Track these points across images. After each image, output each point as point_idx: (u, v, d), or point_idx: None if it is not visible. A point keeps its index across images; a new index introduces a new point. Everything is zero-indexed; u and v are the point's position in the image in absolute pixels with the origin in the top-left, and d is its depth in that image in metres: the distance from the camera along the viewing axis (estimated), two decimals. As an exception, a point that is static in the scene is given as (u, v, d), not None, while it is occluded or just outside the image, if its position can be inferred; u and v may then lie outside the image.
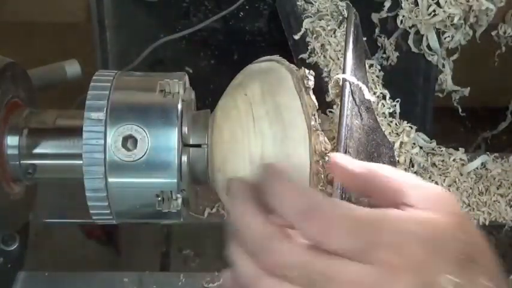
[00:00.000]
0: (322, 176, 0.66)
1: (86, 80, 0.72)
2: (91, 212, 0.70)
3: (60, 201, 1.00)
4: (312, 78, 0.67)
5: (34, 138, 0.73)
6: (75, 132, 0.69)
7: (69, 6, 1.22)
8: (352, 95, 0.70)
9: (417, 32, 1.03)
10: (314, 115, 0.66)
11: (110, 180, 0.67)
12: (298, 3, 1.06)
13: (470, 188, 0.98)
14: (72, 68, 0.93)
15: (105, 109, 0.67)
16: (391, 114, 0.96)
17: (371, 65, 1.01)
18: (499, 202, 0.96)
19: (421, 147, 0.98)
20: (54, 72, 0.93)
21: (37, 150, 0.73)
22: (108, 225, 0.93)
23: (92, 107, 0.67)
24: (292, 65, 0.71)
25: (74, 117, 0.73)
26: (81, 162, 0.66)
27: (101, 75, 0.71)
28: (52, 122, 0.74)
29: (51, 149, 0.73)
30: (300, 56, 1.01)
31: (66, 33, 1.42)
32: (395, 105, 0.96)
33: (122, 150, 0.66)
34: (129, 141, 0.67)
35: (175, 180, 0.68)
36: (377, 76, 1.00)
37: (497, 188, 0.97)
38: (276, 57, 0.73)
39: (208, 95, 0.83)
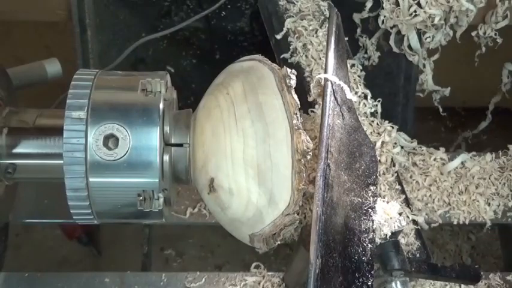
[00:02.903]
0: (304, 174, 0.66)
1: (66, 79, 0.72)
2: (72, 212, 0.69)
3: (41, 201, 0.99)
4: (293, 77, 0.67)
5: (14, 138, 0.72)
6: (56, 131, 0.69)
7: (50, 5, 1.21)
8: (334, 95, 0.71)
9: (398, 32, 1.03)
10: (296, 114, 0.66)
11: (91, 179, 0.66)
12: (280, 3, 1.06)
13: (451, 187, 0.98)
14: (53, 67, 0.92)
15: (86, 108, 0.67)
16: (373, 114, 0.96)
17: (352, 65, 1.01)
18: (478, 201, 0.97)
19: (402, 147, 0.99)
20: (34, 71, 0.92)
21: (17, 150, 0.72)
22: (89, 225, 0.92)
23: (72, 106, 0.67)
24: (274, 64, 0.71)
25: (55, 116, 0.72)
26: (61, 161, 0.66)
27: (82, 74, 0.70)
28: (32, 121, 0.73)
29: (31, 148, 0.72)
30: (282, 56, 1.01)
31: (47, 32, 1.41)
32: (376, 105, 0.97)
33: (103, 149, 0.66)
34: (110, 140, 0.67)
35: (157, 180, 0.67)
36: (358, 76, 1.00)
37: (476, 187, 0.98)
38: (258, 56, 0.73)
39: (190, 94, 0.83)
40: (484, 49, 1.11)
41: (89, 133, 0.66)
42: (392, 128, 0.95)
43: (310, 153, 0.65)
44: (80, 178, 0.66)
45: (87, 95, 0.67)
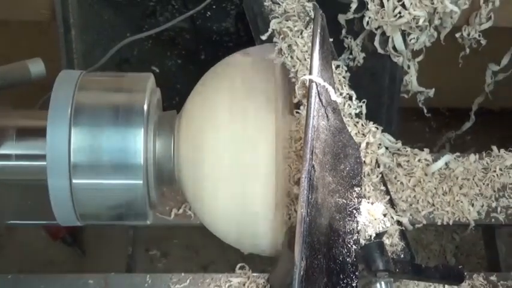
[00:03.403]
0: (289, 175, 0.66)
1: (50, 79, 0.71)
2: (55, 214, 0.69)
3: (24, 202, 0.98)
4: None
5: (-4, 139, 0.72)
6: (39, 132, 0.68)
7: (33, 4, 1.20)
8: (319, 96, 0.71)
9: (383, 34, 1.03)
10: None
11: (75, 181, 0.66)
12: (265, 3, 1.05)
13: (435, 188, 0.99)
14: (37, 67, 0.91)
15: (69, 109, 0.66)
16: (357, 115, 0.96)
17: (337, 66, 1.01)
18: (462, 202, 0.98)
19: (386, 148, 0.99)
20: (17, 71, 0.91)
21: (0, 151, 0.71)
22: (73, 226, 0.92)
23: (56, 107, 0.66)
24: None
25: (38, 117, 0.72)
26: (45, 163, 0.65)
27: (66, 75, 0.70)
28: (15, 122, 0.72)
29: (14, 149, 0.72)
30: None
31: (30, 32, 1.40)
32: (361, 106, 0.97)
33: (86, 150, 0.66)
34: (94, 142, 0.66)
35: (141, 182, 0.67)
36: (343, 77, 1.00)
37: (460, 188, 0.99)
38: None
39: (175, 95, 0.82)
40: (468, 50, 1.12)
41: (72, 134, 0.65)
42: (377, 129, 0.95)
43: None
44: (63, 180, 0.66)
45: (70, 96, 0.67)
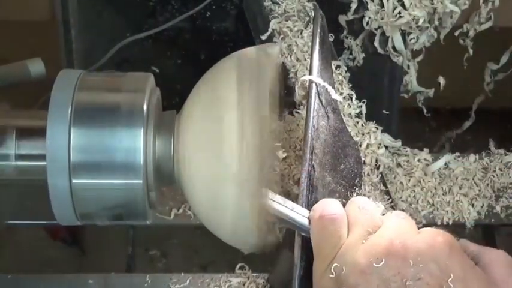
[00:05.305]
0: (289, 175, 0.66)
1: (50, 79, 0.71)
2: (55, 213, 0.69)
3: (24, 202, 0.99)
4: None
5: (-4, 139, 0.71)
6: (39, 132, 0.68)
7: (33, 4, 1.20)
8: (319, 96, 0.71)
9: (383, 34, 1.03)
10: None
11: (74, 181, 0.66)
12: (265, 3, 1.05)
13: (435, 188, 0.99)
14: (36, 67, 0.92)
15: (69, 109, 0.66)
16: (357, 115, 0.96)
17: (337, 66, 1.01)
18: (461, 202, 0.98)
19: (386, 148, 0.99)
20: (17, 71, 0.91)
21: (-1, 151, 0.71)
22: (73, 226, 0.92)
23: (55, 107, 0.66)
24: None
25: (38, 117, 0.72)
26: (44, 163, 0.65)
27: (66, 75, 0.70)
28: (15, 122, 0.72)
29: (14, 149, 0.72)
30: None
31: (30, 32, 1.40)
32: (361, 106, 0.97)
33: (86, 150, 0.66)
34: (94, 141, 0.66)
35: (141, 181, 0.67)
36: (343, 77, 1.00)
37: (460, 188, 0.99)
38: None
39: (174, 95, 0.82)
40: (471, 51, 1.12)
41: (72, 134, 0.65)
42: (377, 129, 0.95)
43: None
44: (63, 179, 0.66)
45: (70, 96, 0.67)
